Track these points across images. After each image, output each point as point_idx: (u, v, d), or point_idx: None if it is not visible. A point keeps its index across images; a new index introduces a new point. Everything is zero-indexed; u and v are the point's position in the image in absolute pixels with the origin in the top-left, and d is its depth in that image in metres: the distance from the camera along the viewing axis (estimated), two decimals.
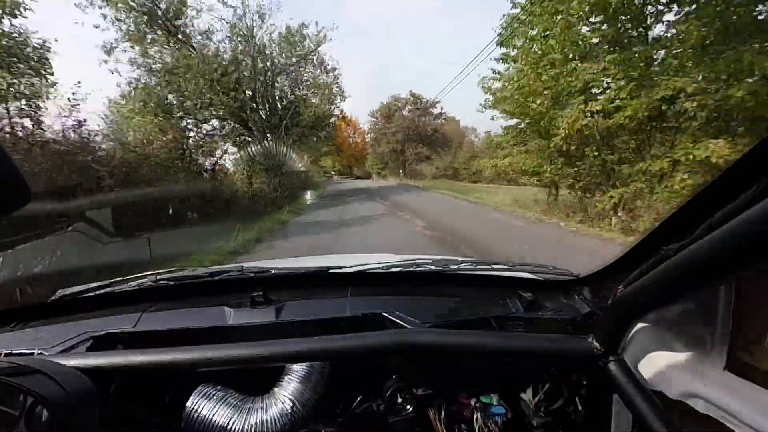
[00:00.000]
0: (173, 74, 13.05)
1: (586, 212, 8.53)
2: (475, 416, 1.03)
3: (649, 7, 7.33)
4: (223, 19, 14.64)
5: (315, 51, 16.45)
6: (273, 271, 1.13)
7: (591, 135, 7.76)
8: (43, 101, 7.73)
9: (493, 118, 11.89)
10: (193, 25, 14.32)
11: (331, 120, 19.70)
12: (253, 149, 14.47)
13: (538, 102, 8.39)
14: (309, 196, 18.29)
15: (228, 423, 0.87)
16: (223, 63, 13.85)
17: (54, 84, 8.31)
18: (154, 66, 13.62)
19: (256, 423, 0.87)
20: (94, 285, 1.09)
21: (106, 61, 13.29)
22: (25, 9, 7.75)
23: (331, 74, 17.90)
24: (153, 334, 0.94)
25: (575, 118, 7.54)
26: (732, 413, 0.60)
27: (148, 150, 8.97)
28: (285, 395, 0.91)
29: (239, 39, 14.55)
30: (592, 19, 7.84)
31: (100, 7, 12.53)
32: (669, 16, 7.17)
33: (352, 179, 47.24)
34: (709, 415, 0.64)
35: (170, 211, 7.65)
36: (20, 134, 6.35)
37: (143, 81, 13.50)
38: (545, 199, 10.76)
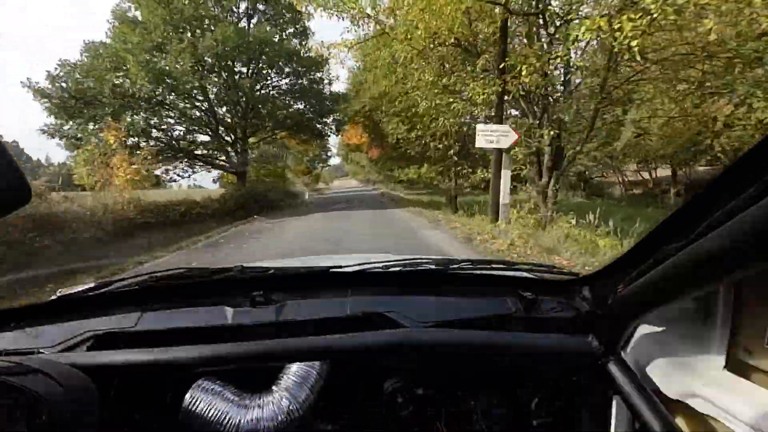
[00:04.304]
0: None
1: None
2: (475, 416, 1.03)
3: None
4: None
5: None
6: (273, 271, 1.13)
7: None
8: None
9: None
10: None
11: None
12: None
13: None
14: None
15: (224, 418, 0.87)
16: None
17: None
18: None
19: (252, 419, 0.87)
20: (93, 284, 1.09)
21: None
22: None
23: None
24: (153, 334, 0.94)
25: None
26: (731, 413, 0.60)
27: None
28: (283, 393, 0.91)
29: None
30: None
31: None
32: None
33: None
34: (708, 415, 0.64)
35: None
36: None
37: None
38: None
